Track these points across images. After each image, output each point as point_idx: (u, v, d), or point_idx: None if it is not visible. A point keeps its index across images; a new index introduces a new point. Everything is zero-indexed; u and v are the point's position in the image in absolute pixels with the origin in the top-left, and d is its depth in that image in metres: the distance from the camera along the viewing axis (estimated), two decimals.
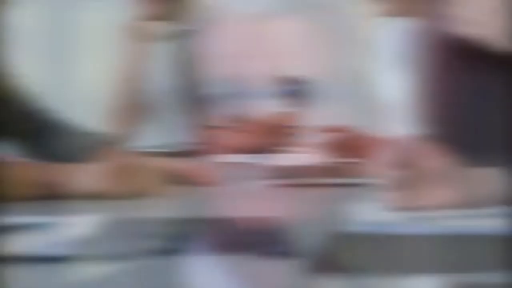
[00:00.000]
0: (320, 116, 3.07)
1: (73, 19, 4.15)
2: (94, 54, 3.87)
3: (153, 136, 2.99)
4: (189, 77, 2.86)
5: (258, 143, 2.50)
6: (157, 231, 1.17)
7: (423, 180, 1.23)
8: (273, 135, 2.47)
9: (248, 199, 1.61)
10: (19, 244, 1.01)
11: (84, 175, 1.52)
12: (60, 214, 1.22)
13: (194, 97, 2.86)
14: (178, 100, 2.88)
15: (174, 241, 1.08)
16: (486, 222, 1.10)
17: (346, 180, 1.70)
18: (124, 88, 2.77)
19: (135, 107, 2.81)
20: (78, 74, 4.12)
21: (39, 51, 4.13)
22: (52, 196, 1.51)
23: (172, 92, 2.88)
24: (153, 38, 2.75)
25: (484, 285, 0.80)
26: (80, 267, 0.98)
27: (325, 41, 3.57)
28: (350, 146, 2.14)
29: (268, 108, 2.82)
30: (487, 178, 1.28)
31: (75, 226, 1.12)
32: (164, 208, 1.50)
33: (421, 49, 1.94)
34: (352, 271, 0.92)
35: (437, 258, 0.97)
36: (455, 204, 1.20)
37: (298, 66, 3.16)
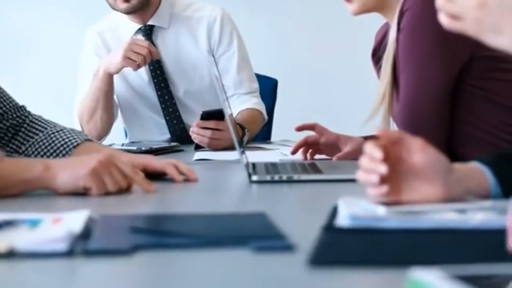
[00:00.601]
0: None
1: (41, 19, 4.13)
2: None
3: (131, 134, 2.98)
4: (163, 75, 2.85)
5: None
6: (145, 227, 1.17)
7: (408, 175, 1.24)
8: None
9: None
10: (11, 240, 1.00)
11: (64, 172, 1.51)
12: (44, 211, 1.21)
13: (169, 95, 2.85)
14: (154, 98, 2.87)
15: (162, 237, 1.08)
16: (472, 216, 1.11)
17: (333, 176, 1.71)
18: (100, 87, 2.75)
19: (109, 105, 2.79)
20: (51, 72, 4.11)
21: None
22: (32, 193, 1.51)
23: (148, 91, 2.87)
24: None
25: (475, 276, 0.82)
26: (75, 263, 0.98)
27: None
28: (323, 143, 2.15)
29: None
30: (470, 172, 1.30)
31: (67, 222, 1.11)
32: (147, 204, 1.49)
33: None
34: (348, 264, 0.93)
35: (429, 251, 0.99)
36: (440, 198, 1.22)
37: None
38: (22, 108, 1.95)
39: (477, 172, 1.30)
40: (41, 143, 1.87)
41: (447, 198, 1.21)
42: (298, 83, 4.04)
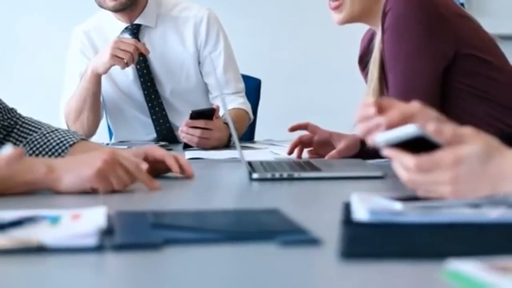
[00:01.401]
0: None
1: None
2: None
3: (117, 134, 2.97)
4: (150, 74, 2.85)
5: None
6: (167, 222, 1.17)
7: None
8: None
9: None
10: (36, 235, 1.01)
11: (69, 174, 1.50)
12: (50, 208, 1.21)
13: (156, 94, 2.85)
14: (140, 98, 2.86)
15: (188, 232, 1.09)
16: (488, 210, 1.12)
17: (333, 174, 1.73)
18: (87, 87, 2.74)
19: (96, 105, 2.78)
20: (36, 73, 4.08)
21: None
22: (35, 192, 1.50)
23: (134, 90, 2.86)
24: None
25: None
26: (105, 257, 0.98)
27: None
28: (317, 141, 2.17)
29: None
30: None
31: (86, 218, 1.11)
32: (152, 201, 1.49)
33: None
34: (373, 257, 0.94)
35: (456, 244, 1.00)
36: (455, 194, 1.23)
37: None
38: (13, 110, 1.93)
39: None
40: (36, 143, 1.85)
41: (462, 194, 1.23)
42: (281, 83, 4.05)
